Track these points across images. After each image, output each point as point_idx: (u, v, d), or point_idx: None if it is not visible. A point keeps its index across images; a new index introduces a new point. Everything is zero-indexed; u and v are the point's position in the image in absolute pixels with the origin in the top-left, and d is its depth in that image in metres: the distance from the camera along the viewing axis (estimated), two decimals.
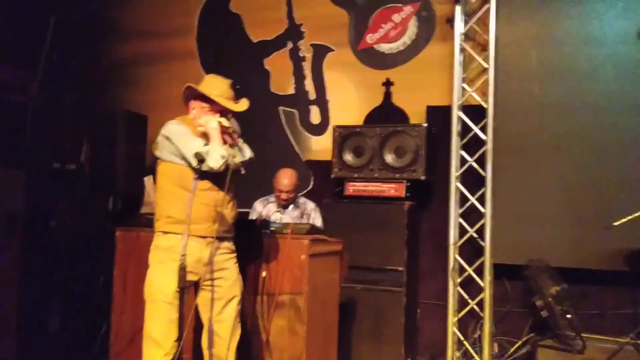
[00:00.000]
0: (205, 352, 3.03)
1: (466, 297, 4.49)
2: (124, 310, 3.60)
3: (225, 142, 2.88)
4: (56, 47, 5.61)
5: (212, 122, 2.88)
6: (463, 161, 4.55)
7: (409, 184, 4.47)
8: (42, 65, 5.51)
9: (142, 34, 5.94)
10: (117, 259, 3.68)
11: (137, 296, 3.54)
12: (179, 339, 2.71)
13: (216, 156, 2.79)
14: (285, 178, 4.40)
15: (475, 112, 4.56)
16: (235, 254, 3.10)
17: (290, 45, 5.44)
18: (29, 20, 5.46)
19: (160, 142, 2.98)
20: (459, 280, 4.50)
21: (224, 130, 2.90)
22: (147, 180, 4.83)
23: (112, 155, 4.90)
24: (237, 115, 3.12)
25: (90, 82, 5.87)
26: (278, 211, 4.37)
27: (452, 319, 4.44)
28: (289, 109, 5.48)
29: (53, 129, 5.40)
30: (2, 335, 2.90)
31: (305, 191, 5.22)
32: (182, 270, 2.59)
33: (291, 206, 4.47)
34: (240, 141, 3.00)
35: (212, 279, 2.98)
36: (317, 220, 4.46)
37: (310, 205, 4.55)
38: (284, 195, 4.39)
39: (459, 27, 4.59)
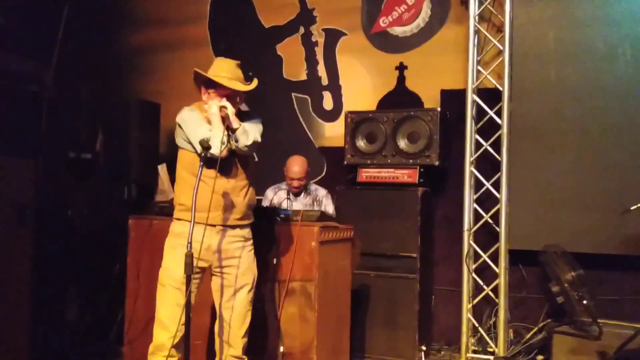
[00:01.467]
0: (216, 338, 3.06)
1: (481, 283, 4.44)
2: (137, 298, 3.63)
3: (227, 128, 2.84)
4: (70, 37, 5.64)
5: (213, 107, 2.86)
6: (478, 146, 4.48)
7: (422, 169, 4.43)
8: (56, 55, 5.54)
9: (154, 22, 5.93)
10: (130, 246, 3.70)
11: (150, 283, 3.57)
12: (186, 323, 2.71)
13: (216, 142, 2.77)
14: (296, 165, 4.38)
15: (491, 96, 4.48)
16: (250, 242, 3.08)
17: (302, 30, 5.39)
18: (42, 10, 5.48)
19: (177, 129, 3.01)
20: (473, 266, 4.44)
21: (223, 115, 2.85)
22: (161, 168, 4.85)
23: (126, 144, 4.92)
24: (251, 101, 3.08)
25: (104, 71, 5.88)
26: (289, 198, 4.36)
27: (466, 306, 4.40)
28: (301, 95, 5.44)
29: (68, 119, 5.45)
30: (17, 325, 2.93)
31: (318, 178, 5.20)
32: (189, 257, 2.58)
33: (303, 193, 4.46)
34: (242, 125, 2.88)
35: (223, 267, 2.99)
36: (328, 207, 4.45)
37: (321, 192, 4.53)
38: (295, 183, 4.38)
39: (474, 8, 4.50)
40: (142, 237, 3.65)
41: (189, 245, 2.58)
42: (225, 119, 2.84)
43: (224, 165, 2.86)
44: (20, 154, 3.91)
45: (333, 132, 5.26)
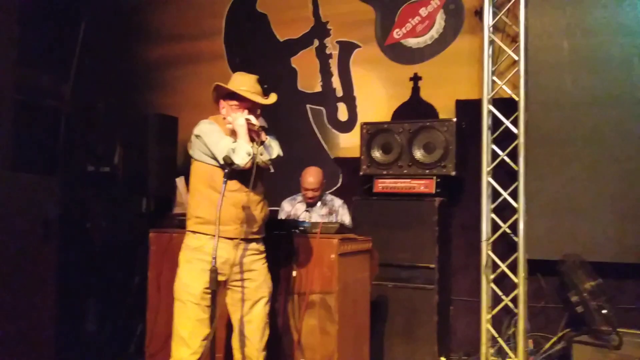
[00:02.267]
0: (236, 352, 3.06)
1: (500, 293, 4.43)
2: (159, 311, 3.65)
3: (252, 140, 2.87)
4: (87, 52, 5.73)
5: (240, 119, 2.89)
6: (494, 156, 4.48)
7: (439, 179, 4.44)
8: (74, 70, 5.63)
9: (171, 36, 6.01)
10: (151, 260, 3.73)
11: (171, 297, 3.59)
12: (207, 339, 2.73)
13: (242, 153, 2.79)
14: (311, 176, 4.41)
15: (506, 105, 4.48)
16: (264, 255, 3.10)
17: (316, 43, 5.44)
18: (60, 26, 5.57)
19: (193, 141, 3.01)
20: (492, 276, 4.44)
21: (251, 127, 2.89)
22: (179, 181, 4.91)
23: (144, 157, 4.97)
24: (265, 113, 3.12)
25: (122, 86, 5.97)
26: (307, 210, 4.38)
27: (485, 316, 4.38)
28: (316, 107, 5.48)
29: (86, 133, 5.53)
30: (41, 339, 2.97)
31: (334, 188, 5.23)
32: (214, 272, 2.60)
33: (319, 204, 4.48)
34: (268, 138, 2.96)
35: (239, 280, 2.99)
36: (345, 217, 4.46)
37: (337, 203, 4.55)
38: (309, 194, 4.40)
39: (488, 19, 4.51)
40: (162, 251, 3.68)
41: (213, 260, 2.60)
42: (252, 131, 2.88)
43: (243, 178, 2.89)
44: (39, 168, 3.98)
45: (348, 143, 5.29)
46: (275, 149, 2.99)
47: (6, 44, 2.91)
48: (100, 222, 5.26)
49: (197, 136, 2.97)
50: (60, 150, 5.31)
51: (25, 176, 2.99)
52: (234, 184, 2.88)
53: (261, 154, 2.87)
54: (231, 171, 2.82)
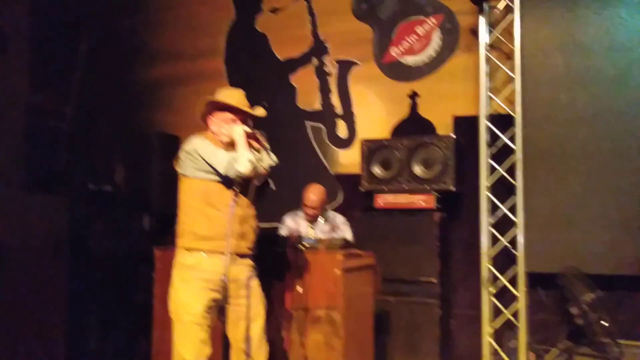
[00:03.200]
0: None
1: (500, 306, 4.47)
2: (164, 328, 3.65)
3: (251, 147, 2.91)
4: (88, 72, 5.79)
5: (237, 129, 2.92)
6: (492, 171, 4.55)
7: (438, 195, 4.50)
8: (75, 90, 5.68)
9: (171, 56, 6.09)
10: (156, 277, 3.76)
11: None
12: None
13: (244, 161, 2.81)
14: (313, 193, 4.45)
15: (503, 121, 4.55)
16: (256, 272, 3.09)
17: (315, 61, 5.53)
18: (61, 46, 5.63)
19: (183, 158, 2.99)
20: (493, 290, 4.48)
21: (249, 136, 2.93)
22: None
23: (146, 176, 5.02)
24: (265, 130, 3.17)
25: (123, 105, 6.02)
26: (312, 227, 4.42)
27: (487, 329, 4.43)
28: (316, 124, 5.55)
29: (88, 152, 5.57)
30: (53, 356, 2.99)
31: (334, 204, 5.27)
32: (224, 288, 2.63)
33: (321, 220, 4.52)
34: (267, 145, 2.99)
35: (237, 297, 2.95)
36: (347, 233, 4.51)
37: (340, 219, 4.60)
38: (309, 211, 4.44)
39: (484, 37, 4.61)
40: (168, 268, 3.65)
41: (224, 277, 2.63)
42: (252, 139, 2.92)
43: (242, 192, 2.90)
44: (45, 188, 4.01)
45: (348, 159, 5.35)
46: (273, 156, 3.04)
47: (20, 71, 2.97)
48: (102, 240, 5.29)
49: (189, 152, 2.95)
50: (63, 169, 5.34)
51: (37, 196, 3.03)
52: (229, 198, 2.86)
53: (261, 160, 2.89)
54: (228, 182, 2.85)
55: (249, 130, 2.95)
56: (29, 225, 2.87)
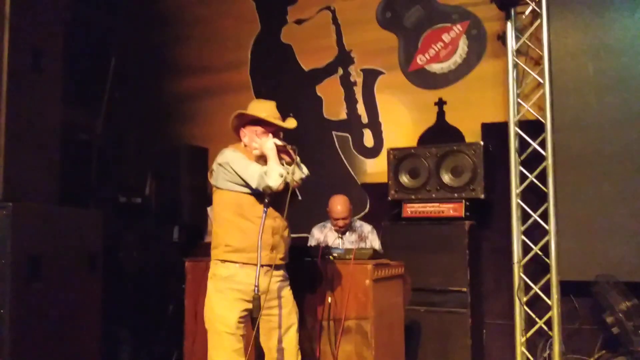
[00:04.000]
0: None
1: (533, 316, 4.41)
2: (195, 339, 3.69)
3: (282, 160, 2.92)
4: (117, 86, 5.89)
5: (268, 143, 2.93)
6: (522, 177, 4.50)
7: (468, 203, 4.46)
8: (104, 104, 5.78)
9: (198, 69, 6.17)
10: (187, 289, 3.78)
11: None
12: None
13: (274, 175, 2.82)
14: (339, 204, 4.44)
15: (532, 128, 4.51)
16: (288, 281, 3.12)
17: (341, 71, 5.54)
18: (90, 61, 5.74)
19: (216, 170, 3.02)
20: (525, 299, 4.42)
21: (280, 149, 2.94)
22: (211, 210, 4.97)
23: (175, 188, 5.07)
24: (292, 141, 3.16)
25: (152, 118, 6.11)
26: (341, 237, 4.42)
27: (520, 339, 4.37)
28: (342, 134, 5.55)
29: (118, 165, 5.66)
30: None
31: (362, 214, 5.27)
32: (256, 300, 2.64)
33: (348, 230, 4.51)
34: (298, 158, 2.99)
35: (271, 307, 2.98)
36: (375, 242, 4.50)
37: (367, 228, 4.58)
38: (340, 222, 4.43)
39: (511, 43, 4.57)
40: (199, 279, 3.71)
41: (256, 288, 2.64)
42: (283, 153, 2.93)
43: (274, 204, 2.91)
44: (76, 201, 4.08)
45: (375, 169, 5.35)
46: (304, 168, 3.04)
47: (53, 87, 3.04)
48: (131, 251, 5.36)
49: (222, 165, 2.97)
50: (94, 183, 5.44)
51: (71, 210, 3.08)
52: (261, 211, 2.88)
53: (293, 174, 2.89)
54: (260, 195, 2.86)
55: (280, 143, 2.96)
56: (64, 238, 2.92)
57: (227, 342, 2.87)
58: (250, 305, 2.85)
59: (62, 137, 3.13)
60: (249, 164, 2.94)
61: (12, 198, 2.70)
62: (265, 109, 3.07)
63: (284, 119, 3.13)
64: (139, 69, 6.19)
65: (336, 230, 4.48)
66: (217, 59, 6.08)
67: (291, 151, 2.95)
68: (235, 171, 2.93)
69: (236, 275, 2.91)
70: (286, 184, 2.85)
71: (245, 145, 3.09)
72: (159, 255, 5.28)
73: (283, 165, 2.91)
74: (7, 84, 2.71)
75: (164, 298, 4.94)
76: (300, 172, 2.99)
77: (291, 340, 3.04)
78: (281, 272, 3.06)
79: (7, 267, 2.58)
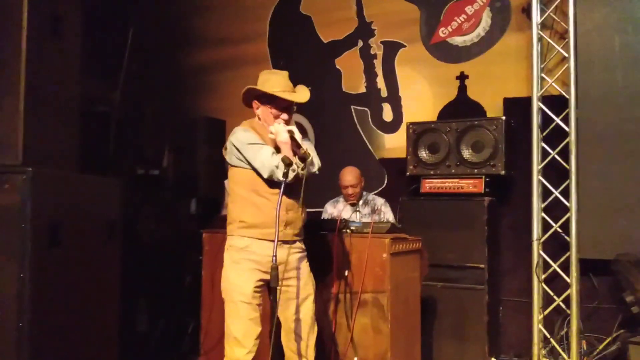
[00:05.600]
0: (287, 350, 3.08)
1: (551, 293, 4.37)
2: (212, 309, 3.73)
3: (295, 154, 2.88)
4: (135, 59, 5.87)
5: (283, 135, 2.87)
6: (544, 154, 4.42)
7: (488, 179, 4.40)
8: (122, 76, 5.77)
9: (216, 41, 6.12)
10: (204, 260, 3.81)
11: None
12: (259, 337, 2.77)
13: (286, 169, 2.79)
14: (347, 174, 4.44)
15: (556, 103, 4.42)
16: (305, 253, 3.13)
17: (361, 43, 5.46)
18: (108, 32, 5.72)
19: (229, 148, 3.01)
20: (543, 276, 4.38)
21: (294, 148, 2.89)
22: (227, 183, 4.98)
23: (193, 160, 5.07)
24: (310, 115, 3.10)
25: (169, 90, 6.10)
26: (358, 210, 4.40)
27: (537, 316, 4.33)
28: (361, 108, 5.50)
29: (136, 137, 5.66)
30: (106, 339, 3.07)
31: (379, 189, 5.24)
32: (275, 270, 2.64)
33: (361, 203, 4.49)
34: (311, 155, 2.92)
35: (287, 279, 3.00)
36: (388, 215, 4.49)
37: (379, 201, 4.57)
38: (350, 190, 4.41)
39: (536, 16, 4.46)
40: (216, 251, 3.74)
41: (274, 258, 2.63)
42: (296, 151, 2.87)
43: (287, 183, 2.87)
44: (95, 171, 4.10)
45: (393, 144, 5.29)
46: (316, 162, 3.00)
47: (72, 56, 3.02)
48: (149, 223, 5.39)
49: (234, 146, 2.97)
50: (111, 154, 5.45)
51: (90, 177, 3.09)
52: (277, 189, 2.85)
53: (303, 168, 2.85)
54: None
55: (296, 135, 2.88)
56: (83, 205, 2.93)
57: (244, 311, 2.89)
58: (265, 276, 2.89)
59: (80, 108, 3.13)
60: (259, 150, 2.90)
61: (32, 164, 2.70)
62: (277, 82, 3.00)
63: (298, 88, 3.05)
64: (157, 41, 6.16)
65: (347, 201, 4.44)
66: (236, 30, 6.02)
67: (303, 153, 2.86)
68: (246, 158, 2.93)
69: (251, 246, 2.93)
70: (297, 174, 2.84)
71: (259, 118, 3.06)
72: (176, 228, 5.31)
73: (297, 158, 2.86)
74: (27, 49, 2.70)
75: (181, 270, 4.98)
76: (312, 166, 2.95)
77: (308, 311, 3.06)
78: (298, 244, 3.07)
79: (27, 232, 2.59)
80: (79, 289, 2.85)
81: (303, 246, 3.13)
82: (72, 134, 3.04)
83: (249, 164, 2.92)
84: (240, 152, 2.94)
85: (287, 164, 2.76)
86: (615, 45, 4.28)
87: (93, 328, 2.96)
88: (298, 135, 2.89)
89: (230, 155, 3.02)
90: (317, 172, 3.02)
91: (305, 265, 3.10)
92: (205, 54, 6.16)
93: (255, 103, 3.06)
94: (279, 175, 2.80)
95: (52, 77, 2.91)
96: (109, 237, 3.04)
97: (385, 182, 5.32)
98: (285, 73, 3.07)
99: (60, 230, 2.72)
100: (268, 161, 2.84)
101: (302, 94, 3.03)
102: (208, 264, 3.79)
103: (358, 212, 4.40)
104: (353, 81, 5.51)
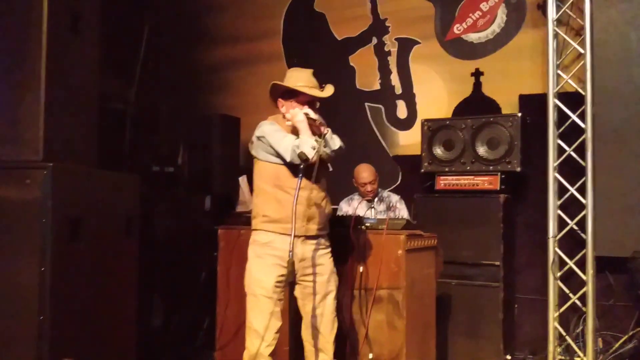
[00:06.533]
0: (307, 345, 3.11)
1: (567, 291, 4.35)
2: (228, 304, 3.74)
3: (314, 133, 2.91)
4: (150, 56, 5.90)
5: (299, 115, 2.93)
6: (560, 151, 4.40)
7: (503, 176, 4.38)
8: (138, 73, 5.80)
9: (231, 38, 6.14)
10: (219, 255, 3.82)
11: (240, 291, 3.68)
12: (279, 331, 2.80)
13: (307, 148, 2.82)
14: (364, 171, 4.44)
15: (572, 100, 4.39)
16: (329, 250, 3.15)
17: (375, 40, 5.45)
18: (124, 30, 5.75)
19: (255, 142, 3.06)
20: (559, 274, 4.36)
21: (311, 123, 2.93)
22: (242, 180, 5.01)
23: (207, 157, 5.09)
24: (324, 112, 3.14)
25: (184, 88, 6.13)
26: (373, 207, 4.40)
27: (553, 314, 4.31)
28: (375, 105, 5.49)
29: (151, 134, 5.70)
30: (124, 334, 3.10)
31: (393, 186, 5.23)
32: (291, 265, 2.65)
33: (376, 200, 4.49)
34: (329, 130, 2.98)
35: (309, 275, 3.04)
36: (403, 211, 4.49)
37: (394, 198, 4.57)
38: (368, 187, 4.42)
39: (552, 12, 4.43)
40: (231, 247, 3.77)
41: (290, 253, 2.65)
42: (313, 125, 2.92)
43: (307, 176, 2.89)
44: (109, 169, 4.14)
45: (408, 141, 5.28)
46: (337, 140, 3.04)
47: (91, 48, 3.05)
48: (164, 220, 5.42)
49: (260, 137, 3.01)
50: (127, 151, 5.49)
51: (110, 173, 3.12)
52: (297, 182, 2.86)
53: (325, 147, 2.89)
54: (295, 167, 2.85)
55: (312, 115, 2.93)
56: (102, 200, 2.96)
57: (264, 305, 2.93)
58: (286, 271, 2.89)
59: (100, 104, 3.18)
60: (284, 136, 2.96)
61: (52, 159, 2.73)
62: (301, 77, 3.07)
63: (321, 86, 3.10)
64: (173, 39, 6.19)
65: (366, 198, 4.45)
66: (250, 28, 6.03)
67: (321, 127, 2.92)
68: (270, 144, 2.96)
69: (274, 241, 2.96)
70: (320, 156, 2.86)
71: (284, 116, 3.09)
72: (191, 224, 5.34)
73: (316, 136, 2.89)
74: (47, 45, 2.73)
75: (196, 266, 5.00)
76: (334, 144, 2.98)
77: (328, 307, 3.08)
78: (321, 240, 3.09)
79: (48, 227, 2.63)
80: (97, 283, 2.88)
81: (327, 242, 3.14)
82: (91, 131, 3.08)
83: (274, 150, 2.95)
84: (266, 140, 2.97)
85: (305, 156, 2.78)
86: (632, 41, 4.24)
87: (111, 321, 2.99)
88: (314, 115, 2.93)
89: (256, 149, 3.07)
90: (341, 150, 3.04)
91: (328, 262, 3.12)
92: (220, 52, 6.18)
93: (280, 101, 3.12)
94: (300, 154, 2.80)
95: (72, 74, 2.95)
96: (127, 233, 3.07)
97: (400, 179, 5.32)
98: (309, 70, 3.13)
99: (80, 225, 2.75)
100: (291, 144, 2.88)
101: (325, 90, 3.09)
102: (223, 260, 3.80)
103: (373, 209, 4.39)
104: (367, 78, 5.50)
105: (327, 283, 3.08)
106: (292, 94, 3.04)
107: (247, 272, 3.05)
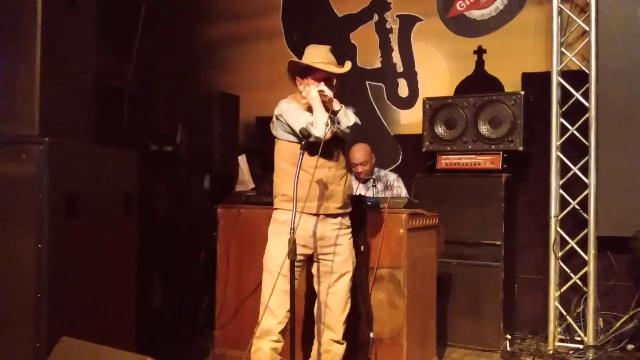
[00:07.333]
0: (318, 323, 3.10)
1: (568, 271, 4.33)
2: (227, 284, 3.73)
3: (328, 110, 2.87)
4: (148, 33, 5.81)
5: (312, 92, 2.90)
6: (563, 130, 4.35)
7: (505, 155, 4.34)
8: (135, 51, 5.72)
9: (230, 15, 6.06)
10: (219, 235, 3.80)
11: (240, 270, 3.70)
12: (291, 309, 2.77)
13: (320, 124, 2.80)
14: (358, 152, 4.39)
15: (575, 78, 4.35)
16: (349, 230, 3.11)
17: (376, 17, 5.38)
18: (121, 6, 5.66)
19: (275, 121, 3.05)
20: (560, 253, 4.34)
21: (323, 99, 2.89)
22: (241, 159, 4.96)
23: (206, 136, 5.04)
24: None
25: (182, 66, 6.05)
26: (375, 186, 4.36)
27: (553, 294, 4.31)
28: (376, 83, 5.43)
29: (149, 113, 5.63)
30: (124, 313, 3.08)
31: (394, 166, 5.19)
32: (292, 244, 2.63)
33: (373, 180, 4.44)
34: (342, 107, 2.94)
35: (327, 254, 3.02)
36: (401, 190, 4.45)
37: (391, 177, 4.54)
38: (359, 168, 4.37)
39: None
40: (230, 226, 3.75)
41: (291, 231, 2.63)
42: (326, 102, 2.88)
43: (325, 154, 2.87)
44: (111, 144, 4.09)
45: (409, 120, 5.24)
46: (352, 116, 2.98)
47: (88, 23, 2.99)
48: (163, 199, 5.38)
49: (278, 116, 3.00)
50: (124, 130, 5.43)
51: (108, 149, 3.08)
52: (315, 160, 2.85)
53: (338, 123, 2.87)
54: (311, 145, 2.82)
55: (326, 92, 2.89)
56: (100, 177, 2.92)
57: (279, 283, 2.89)
58: (305, 250, 2.95)
59: (98, 80, 3.11)
60: (300, 114, 2.94)
61: (48, 134, 2.68)
62: (317, 54, 3.02)
63: (338, 62, 3.05)
64: (171, 16, 6.09)
65: (356, 178, 4.40)
66: (250, 4, 5.96)
67: (333, 104, 2.89)
68: (287, 122, 2.95)
69: (291, 220, 2.89)
70: (334, 133, 2.84)
71: (302, 94, 3.05)
72: (190, 204, 5.29)
73: (332, 113, 2.86)
74: (42, 17, 2.66)
75: (195, 245, 4.97)
76: (348, 121, 2.93)
77: (343, 287, 3.06)
78: (340, 219, 3.06)
79: (44, 203, 2.58)
80: (96, 260, 2.85)
81: (348, 222, 3.11)
82: (88, 106, 3.02)
83: (290, 128, 2.94)
84: (283, 118, 2.96)
85: (306, 132, 2.77)
86: (637, 18, 4.17)
87: (110, 300, 2.96)
88: (329, 92, 2.90)
89: (276, 129, 3.06)
90: (356, 126, 2.99)
91: (348, 242, 3.09)
92: (219, 29, 6.10)
93: (297, 79, 3.09)
94: (314, 131, 2.78)
95: (68, 47, 2.88)
96: (126, 210, 3.03)
97: (401, 158, 5.28)
98: (326, 47, 3.08)
99: (78, 202, 2.71)
100: (305, 121, 2.85)
101: (343, 66, 3.05)
102: (223, 239, 3.79)
103: (374, 188, 4.35)
104: (368, 56, 5.43)
105: (345, 263, 3.06)
106: (308, 71, 3.01)
107: (266, 249, 3.06)
